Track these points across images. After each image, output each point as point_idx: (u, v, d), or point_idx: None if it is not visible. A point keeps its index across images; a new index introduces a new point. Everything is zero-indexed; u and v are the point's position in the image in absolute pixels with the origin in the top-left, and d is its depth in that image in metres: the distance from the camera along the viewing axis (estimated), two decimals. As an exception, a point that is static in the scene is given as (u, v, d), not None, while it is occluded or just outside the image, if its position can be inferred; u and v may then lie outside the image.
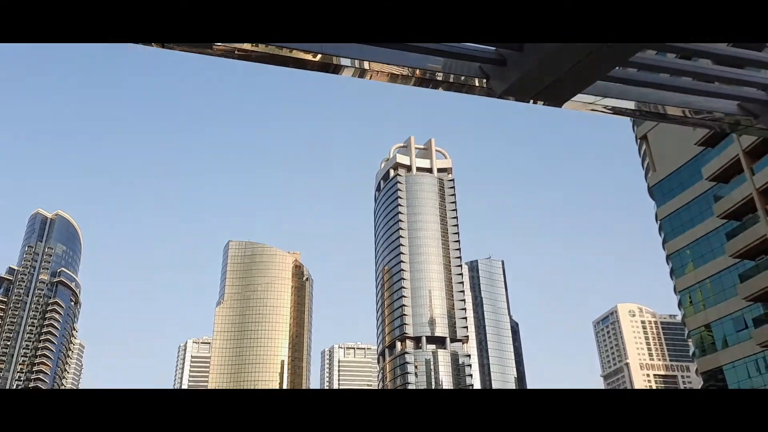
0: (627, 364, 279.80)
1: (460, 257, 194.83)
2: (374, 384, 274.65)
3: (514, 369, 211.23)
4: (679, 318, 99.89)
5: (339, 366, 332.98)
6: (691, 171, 57.63)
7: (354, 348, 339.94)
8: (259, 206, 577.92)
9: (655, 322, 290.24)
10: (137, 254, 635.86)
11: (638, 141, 66.68)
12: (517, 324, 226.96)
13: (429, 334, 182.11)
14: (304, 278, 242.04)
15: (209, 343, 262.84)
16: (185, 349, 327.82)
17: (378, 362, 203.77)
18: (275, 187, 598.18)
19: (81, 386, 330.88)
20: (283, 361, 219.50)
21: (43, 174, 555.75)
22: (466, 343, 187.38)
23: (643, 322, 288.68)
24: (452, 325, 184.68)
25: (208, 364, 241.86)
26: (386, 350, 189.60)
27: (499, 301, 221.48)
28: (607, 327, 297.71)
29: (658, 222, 62.87)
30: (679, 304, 61.24)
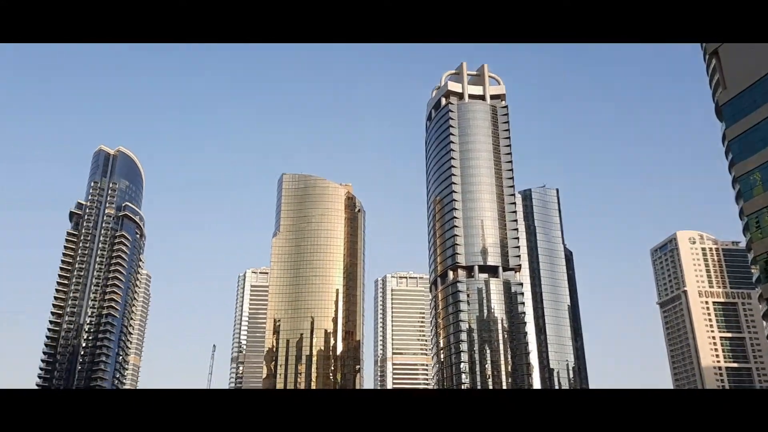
0: (685, 292, 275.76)
1: (513, 186, 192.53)
2: (427, 313, 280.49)
3: (568, 297, 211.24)
4: (742, 244, 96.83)
5: (392, 295, 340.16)
6: (765, 88, 54.36)
7: (406, 277, 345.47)
8: (312, 140, 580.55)
9: (716, 249, 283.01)
10: (197, 187, 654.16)
11: (707, 57, 62.99)
12: (570, 252, 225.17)
13: (481, 263, 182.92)
14: (357, 210, 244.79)
15: (267, 273, 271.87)
16: (244, 279, 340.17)
17: (430, 291, 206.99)
18: (327, 120, 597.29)
19: (150, 316, 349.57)
20: (337, 290, 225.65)
21: (105, 111, 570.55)
22: (519, 271, 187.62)
23: (703, 249, 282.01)
24: (504, 254, 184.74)
25: (266, 293, 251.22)
26: (438, 279, 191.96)
27: (552, 230, 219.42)
28: (666, 254, 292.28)
29: (726, 143, 60.17)
30: (745, 229, 59.29)
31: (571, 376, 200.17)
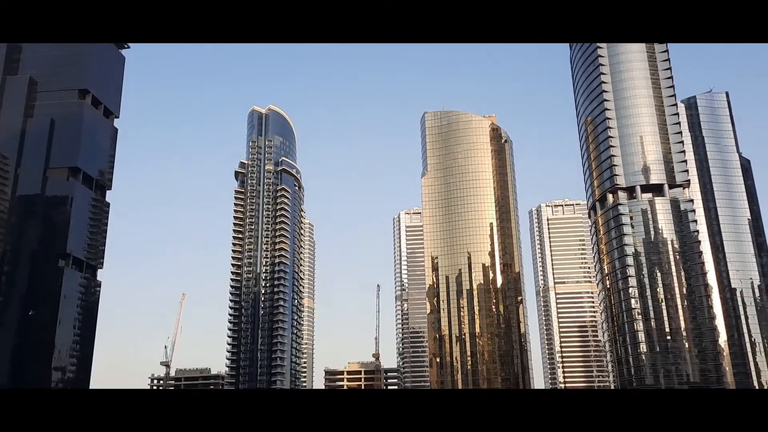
0: None
1: (674, 96, 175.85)
2: (587, 239, 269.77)
3: (747, 210, 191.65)
4: None
5: (548, 224, 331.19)
6: None
7: (562, 205, 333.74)
8: (451, 75, 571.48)
9: None
10: (344, 136, 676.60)
11: None
12: (748, 161, 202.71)
13: (643, 183, 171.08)
14: (503, 140, 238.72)
15: (420, 213, 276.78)
16: (399, 221, 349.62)
17: (589, 217, 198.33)
18: (464, 52, 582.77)
19: (317, 261, 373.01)
20: (491, 224, 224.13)
21: (254, 71, 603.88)
22: (688, 188, 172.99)
23: None
24: (670, 170, 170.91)
25: (421, 233, 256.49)
26: (597, 204, 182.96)
27: (724, 138, 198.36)
28: None
29: None
30: None
31: (757, 294, 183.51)
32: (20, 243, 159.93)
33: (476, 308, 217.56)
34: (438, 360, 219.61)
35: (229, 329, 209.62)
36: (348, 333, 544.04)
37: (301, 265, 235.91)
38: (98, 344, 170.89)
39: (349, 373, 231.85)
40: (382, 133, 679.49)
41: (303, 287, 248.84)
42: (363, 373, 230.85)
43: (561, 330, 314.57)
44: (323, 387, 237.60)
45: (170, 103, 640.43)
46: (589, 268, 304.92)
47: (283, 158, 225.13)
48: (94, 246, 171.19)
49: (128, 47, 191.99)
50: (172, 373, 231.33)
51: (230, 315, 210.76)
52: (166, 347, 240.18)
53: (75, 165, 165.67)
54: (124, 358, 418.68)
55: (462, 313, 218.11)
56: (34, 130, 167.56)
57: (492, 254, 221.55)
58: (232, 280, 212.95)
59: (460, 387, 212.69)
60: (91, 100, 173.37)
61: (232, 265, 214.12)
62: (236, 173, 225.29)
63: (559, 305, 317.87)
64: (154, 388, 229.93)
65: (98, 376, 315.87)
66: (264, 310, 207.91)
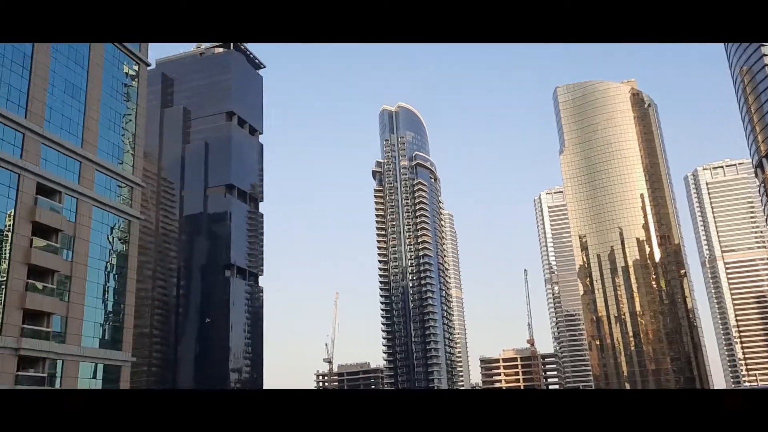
0: None
1: None
2: (756, 202, 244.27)
3: None
4: None
5: (708, 188, 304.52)
6: None
7: (722, 166, 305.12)
8: (579, 44, 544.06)
9: None
10: (474, 123, 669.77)
11: None
12: None
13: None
14: (646, 105, 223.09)
15: (561, 192, 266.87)
16: (540, 201, 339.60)
17: (756, 176, 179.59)
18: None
19: (460, 251, 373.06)
20: (642, 195, 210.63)
21: (376, 72, 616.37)
22: None
23: None
24: None
25: (565, 212, 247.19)
26: (763, 160, 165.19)
27: None
28: None
29: None
30: None
31: None
32: (191, 258, 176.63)
33: (634, 286, 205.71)
34: (598, 343, 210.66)
35: (383, 324, 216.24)
36: (498, 321, 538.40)
37: (444, 256, 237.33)
38: (266, 345, 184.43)
39: (504, 360, 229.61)
40: (512, 115, 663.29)
41: (449, 278, 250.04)
42: (519, 360, 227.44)
43: (735, 302, 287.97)
44: (480, 376, 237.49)
45: (303, 114, 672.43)
46: (762, 232, 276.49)
47: (417, 153, 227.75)
48: (253, 255, 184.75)
49: (264, 67, 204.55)
50: (335, 369, 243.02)
51: (382, 310, 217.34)
52: (326, 345, 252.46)
53: (229, 182, 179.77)
54: (290, 357, 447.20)
55: (619, 292, 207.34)
56: (191, 154, 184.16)
57: (646, 227, 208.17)
58: (380, 275, 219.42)
59: (624, 369, 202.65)
60: (237, 121, 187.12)
61: (379, 261, 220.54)
62: (373, 172, 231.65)
63: (730, 276, 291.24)
64: (320, 384, 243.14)
65: (269, 376, 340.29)
66: (414, 303, 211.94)
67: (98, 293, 57.85)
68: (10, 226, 49.50)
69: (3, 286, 48.21)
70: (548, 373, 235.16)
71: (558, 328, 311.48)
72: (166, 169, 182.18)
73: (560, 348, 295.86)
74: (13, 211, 49.75)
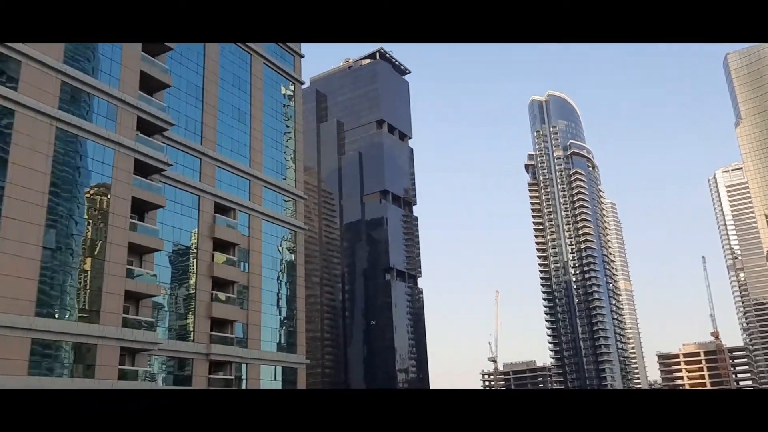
0: None
1: None
2: None
3: None
4: None
5: None
6: None
7: None
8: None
9: None
10: (630, 104, 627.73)
11: None
12: None
13: None
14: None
15: (740, 168, 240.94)
16: (715, 181, 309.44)
17: None
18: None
19: (627, 244, 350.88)
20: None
21: (518, 65, 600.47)
22: None
23: None
24: None
25: (746, 190, 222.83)
26: None
27: None
28: None
29: None
30: None
31: None
32: (353, 264, 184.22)
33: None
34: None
35: (546, 320, 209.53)
36: (674, 313, 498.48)
37: (609, 247, 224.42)
38: (428, 346, 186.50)
39: (685, 356, 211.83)
40: (676, 89, 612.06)
41: (615, 270, 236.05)
42: (703, 354, 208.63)
43: None
44: (658, 373, 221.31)
45: (449, 114, 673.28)
46: None
47: (571, 141, 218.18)
48: (411, 257, 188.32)
49: (409, 72, 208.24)
50: (500, 368, 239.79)
51: (545, 306, 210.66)
52: (490, 344, 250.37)
53: (384, 188, 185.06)
54: (453, 357, 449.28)
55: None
56: (347, 164, 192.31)
57: None
58: (540, 271, 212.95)
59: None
60: (387, 128, 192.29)
61: (538, 256, 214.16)
62: (526, 166, 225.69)
63: None
64: (486, 384, 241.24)
65: (434, 376, 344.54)
66: (578, 297, 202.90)
67: (272, 301, 62.26)
68: (195, 243, 54.98)
69: (192, 298, 53.62)
70: (738, 368, 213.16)
71: (747, 319, 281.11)
72: (325, 180, 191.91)
73: (751, 340, 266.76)
74: (196, 229, 55.20)
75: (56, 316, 39.60)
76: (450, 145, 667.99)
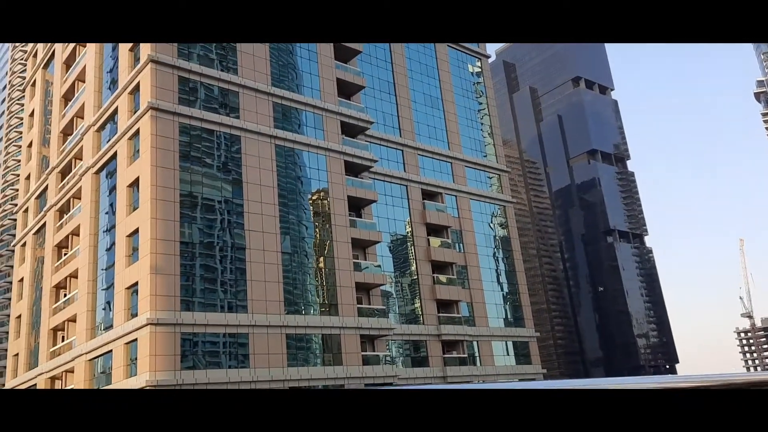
0: None
1: None
2: None
3: None
4: None
5: None
6: None
7: None
8: None
9: None
10: None
11: None
12: None
13: None
14: None
15: None
16: None
17: None
18: None
19: None
20: None
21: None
22: None
23: None
24: None
25: None
26: None
27: None
28: None
29: None
30: None
31: None
32: (569, 231, 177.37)
33: None
34: None
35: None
36: None
37: None
38: (668, 307, 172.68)
39: None
40: None
41: None
42: None
43: None
44: None
45: (651, 55, 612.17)
46: None
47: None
48: (632, 216, 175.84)
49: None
50: (758, 324, 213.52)
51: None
52: (741, 298, 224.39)
53: (591, 148, 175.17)
54: (697, 316, 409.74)
55: None
56: (547, 130, 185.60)
57: None
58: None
59: None
60: (584, 84, 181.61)
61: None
62: (756, 94, 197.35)
63: None
64: (743, 342, 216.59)
65: (679, 338, 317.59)
66: None
67: (492, 278, 62.53)
68: (410, 231, 57.42)
69: (416, 283, 56.09)
70: None
71: None
72: (526, 150, 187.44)
73: None
74: (409, 218, 57.59)
75: (302, 312, 44.19)
76: (659, 90, 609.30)
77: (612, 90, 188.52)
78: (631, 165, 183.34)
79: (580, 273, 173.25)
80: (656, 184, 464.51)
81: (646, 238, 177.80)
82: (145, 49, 42.65)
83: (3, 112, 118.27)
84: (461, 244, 60.72)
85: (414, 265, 56.41)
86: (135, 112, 42.94)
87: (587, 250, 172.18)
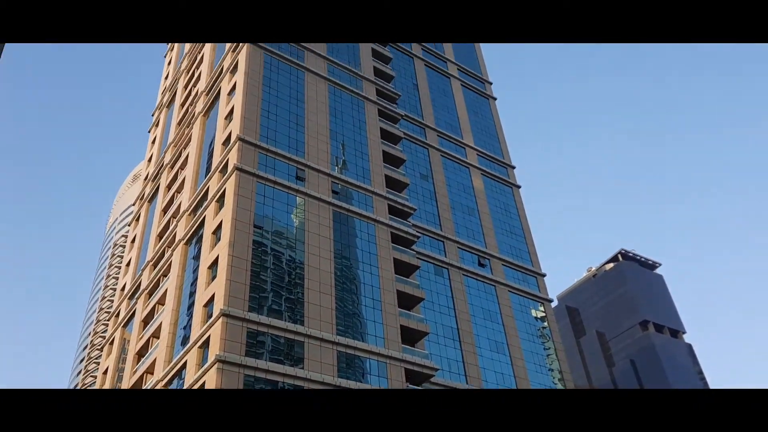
0: None
1: None
2: None
3: None
4: None
5: None
6: None
7: None
8: None
9: None
10: None
11: None
12: None
13: None
14: None
15: None
16: None
17: None
18: None
19: None
20: None
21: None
22: None
23: None
24: None
25: None
26: None
27: None
28: None
29: None
30: None
31: None
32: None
33: None
34: None
35: None
36: None
37: None
38: None
39: None
40: None
41: None
42: None
43: None
44: None
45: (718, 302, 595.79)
46: None
47: None
48: None
49: (660, 265, 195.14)
50: None
51: None
52: None
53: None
54: None
55: None
56: (620, 375, 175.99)
57: None
58: None
59: None
60: (653, 328, 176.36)
61: None
62: None
63: None
64: None
65: None
66: None
67: None
68: None
69: None
70: None
71: None
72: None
73: None
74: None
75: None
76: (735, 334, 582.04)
77: (684, 333, 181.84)
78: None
79: None
80: None
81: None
82: (218, 303, 44.85)
83: (80, 372, 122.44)
84: None
85: None
86: (203, 366, 43.56)
87: None
